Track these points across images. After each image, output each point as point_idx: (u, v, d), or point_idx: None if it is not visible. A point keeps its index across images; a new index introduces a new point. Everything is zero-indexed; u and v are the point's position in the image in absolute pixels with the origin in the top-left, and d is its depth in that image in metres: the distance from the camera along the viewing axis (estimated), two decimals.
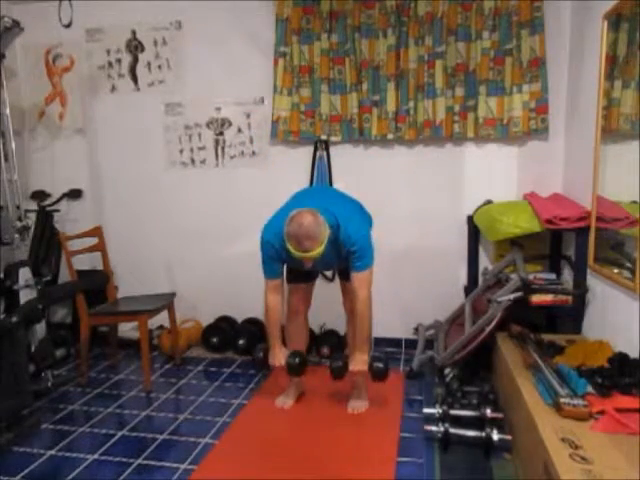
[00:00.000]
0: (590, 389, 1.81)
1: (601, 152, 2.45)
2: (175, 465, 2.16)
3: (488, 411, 2.21)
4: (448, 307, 3.24)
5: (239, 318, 3.61)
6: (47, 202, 3.71)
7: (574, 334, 2.62)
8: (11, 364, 2.44)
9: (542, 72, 3.02)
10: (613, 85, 2.35)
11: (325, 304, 2.93)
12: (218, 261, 3.62)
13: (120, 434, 2.44)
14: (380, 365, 2.42)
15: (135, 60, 3.58)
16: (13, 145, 3.24)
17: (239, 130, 3.52)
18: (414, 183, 3.35)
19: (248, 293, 3.30)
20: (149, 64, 3.57)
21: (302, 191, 2.71)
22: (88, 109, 3.69)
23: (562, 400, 1.72)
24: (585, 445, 1.53)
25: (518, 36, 3.03)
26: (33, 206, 3.67)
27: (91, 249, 3.29)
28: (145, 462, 2.19)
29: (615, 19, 2.32)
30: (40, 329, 2.93)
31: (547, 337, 2.50)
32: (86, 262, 3.48)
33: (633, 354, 2.00)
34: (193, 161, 3.60)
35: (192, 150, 3.59)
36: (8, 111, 3.21)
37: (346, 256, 2.35)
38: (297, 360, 2.48)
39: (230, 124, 3.52)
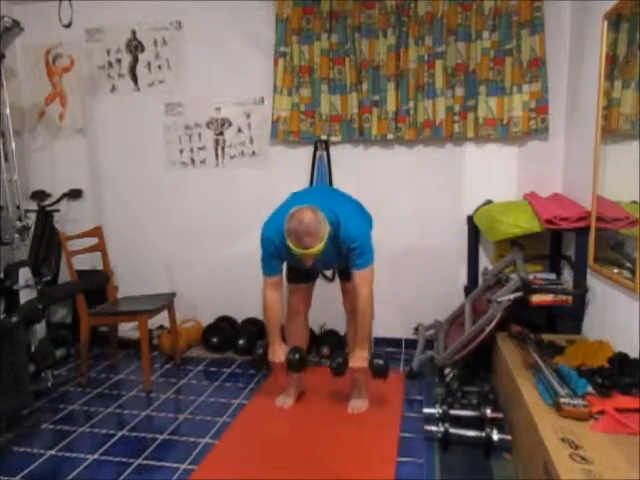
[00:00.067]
0: (590, 389, 1.81)
1: (601, 152, 2.45)
2: (175, 465, 2.16)
3: (488, 411, 2.21)
4: (448, 307, 3.24)
5: (239, 318, 3.62)
6: (47, 202, 3.71)
7: (574, 334, 2.62)
8: (11, 364, 2.44)
9: (542, 72, 3.02)
10: (613, 85, 2.35)
11: (325, 304, 2.93)
12: (218, 261, 3.62)
13: (120, 434, 2.44)
14: (380, 362, 2.41)
15: (135, 60, 3.58)
16: (13, 145, 3.24)
17: (239, 130, 3.52)
18: (414, 183, 3.35)
19: (248, 293, 3.29)
20: (149, 64, 3.57)
21: (302, 190, 2.71)
22: (88, 109, 3.69)
23: (562, 400, 1.72)
24: (585, 445, 1.53)
25: (518, 36, 3.03)
26: (33, 206, 3.67)
27: (91, 249, 3.29)
28: (145, 462, 2.19)
29: (615, 19, 2.32)
30: (40, 329, 2.93)
31: (547, 337, 2.50)
32: (86, 262, 3.48)
33: (633, 354, 2.01)
34: (193, 161, 3.60)
35: (192, 150, 3.59)
36: (8, 111, 3.22)
37: (346, 254, 2.35)
38: (297, 356, 2.47)
39: (230, 124, 3.52)
